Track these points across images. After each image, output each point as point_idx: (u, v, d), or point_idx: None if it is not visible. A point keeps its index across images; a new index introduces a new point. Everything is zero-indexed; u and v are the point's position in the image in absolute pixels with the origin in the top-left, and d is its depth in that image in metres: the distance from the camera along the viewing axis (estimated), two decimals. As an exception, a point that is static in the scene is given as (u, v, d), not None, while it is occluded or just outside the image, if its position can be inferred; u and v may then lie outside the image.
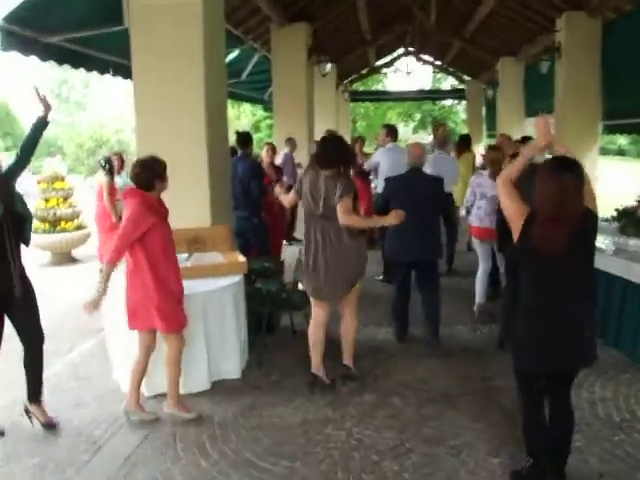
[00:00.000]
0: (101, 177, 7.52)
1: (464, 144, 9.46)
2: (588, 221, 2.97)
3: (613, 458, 3.48)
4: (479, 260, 6.15)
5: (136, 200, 3.86)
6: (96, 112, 32.03)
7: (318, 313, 4.51)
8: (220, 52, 5.78)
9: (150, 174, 3.93)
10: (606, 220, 6.53)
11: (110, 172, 7.55)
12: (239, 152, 7.00)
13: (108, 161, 7.67)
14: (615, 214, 6.28)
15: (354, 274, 4.37)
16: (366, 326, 5.77)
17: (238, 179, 6.61)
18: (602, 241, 5.76)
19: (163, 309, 3.88)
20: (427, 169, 6.66)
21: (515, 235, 3.01)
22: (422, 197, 5.13)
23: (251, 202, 6.73)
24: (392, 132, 8.02)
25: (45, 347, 5.36)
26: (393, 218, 4.27)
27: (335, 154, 4.29)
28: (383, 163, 7.61)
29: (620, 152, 42.04)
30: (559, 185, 2.81)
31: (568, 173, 2.84)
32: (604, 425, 3.86)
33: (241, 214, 6.69)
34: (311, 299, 4.54)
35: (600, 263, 5.32)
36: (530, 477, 3.23)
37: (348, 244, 4.28)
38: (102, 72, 7.53)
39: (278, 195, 4.77)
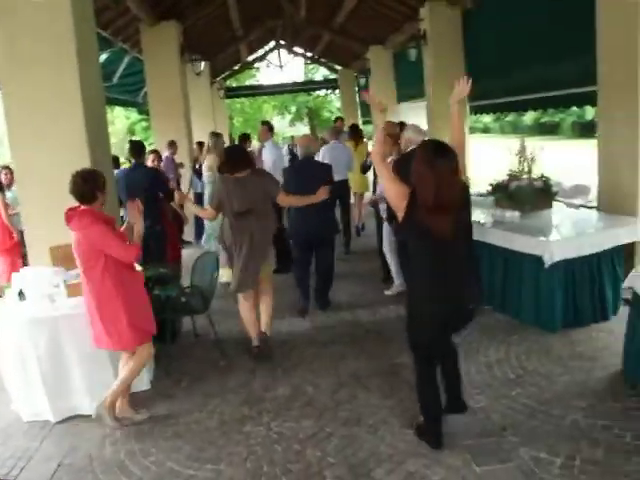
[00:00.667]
0: None
1: (357, 134, 9.78)
2: (467, 195, 3.22)
3: (513, 412, 3.79)
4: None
5: (94, 221, 3.79)
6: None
7: (248, 299, 5.03)
8: (94, 55, 5.57)
9: (92, 186, 3.87)
10: (481, 195, 6.99)
11: (0, 188, 7.16)
12: (132, 162, 6.84)
13: None
14: (490, 188, 6.72)
15: (268, 259, 5.16)
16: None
17: (141, 189, 6.36)
18: (480, 215, 6.18)
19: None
20: (325, 159, 7.03)
21: (400, 216, 3.17)
22: (314, 181, 5.40)
23: (154, 211, 6.55)
24: (271, 129, 8.48)
25: None
26: (322, 193, 5.00)
27: (245, 157, 5.07)
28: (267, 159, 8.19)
29: (485, 130, 44.74)
30: (438, 175, 2.95)
31: (443, 159, 2.98)
32: (502, 384, 4.18)
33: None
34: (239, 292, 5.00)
35: (481, 235, 5.73)
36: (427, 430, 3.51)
37: (268, 236, 5.01)
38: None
39: (189, 207, 4.79)
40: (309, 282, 6.20)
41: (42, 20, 4.81)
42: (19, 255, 7.21)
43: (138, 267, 4.84)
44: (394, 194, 3.18)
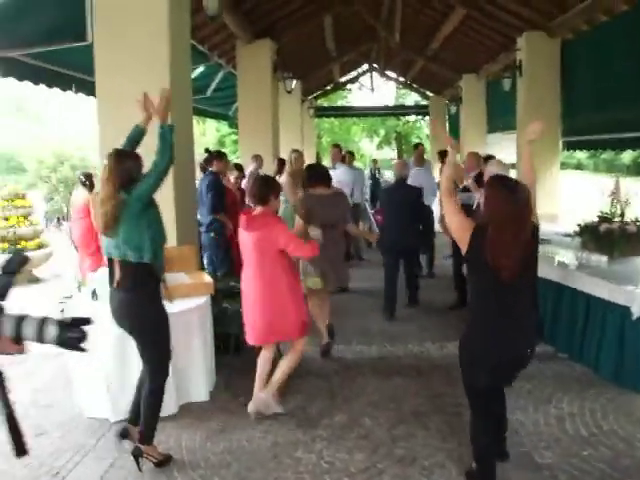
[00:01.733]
0: (83, 193, 7.39)
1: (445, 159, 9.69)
2: (535, 235, 3.11)
3: (582, 474, 3.49)
4: None
5: (277, 221, 4.26)
6: (57, 127, 31.53)
7: (320, 299, 5.57)
8: (186, 68, 5.73)
9: (270, 190, 4.27)
10: (568, 235, 6.66)
11: (91, 188, 7.49)
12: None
13: (89, 177, 7.58)
14: (577, 229, 6.39)
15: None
16: (335, 344, 5.75)
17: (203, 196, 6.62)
18: (565, 256, 5.88)
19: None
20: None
21: (462, 248, 3.09)
22: (405, 203, 6.80)
23: (215, 221, 6.71)
24: (351, 152, 8.90)
25: (4, 372, 5.19)
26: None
27: (327, 176, 5.54)
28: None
29: (578, 166, 43.14)
30: (516, 212, 2.88)
31: (518, 196, 2.89)
32: (573, 441, 3.88)
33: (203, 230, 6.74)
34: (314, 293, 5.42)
35: (564, 278, 5.45)
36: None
37: (340, 252, 5.63)
38: (64, 89, 7.39)
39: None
40: (396, 289, 6.87)
41: (141, 30, 4.99)
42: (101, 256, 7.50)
43: (208, 278, 4.90)
44: (456, 226, 3.14)
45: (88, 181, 7.56)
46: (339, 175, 8.44)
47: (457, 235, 3.13)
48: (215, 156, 7.23)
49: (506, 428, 3.63)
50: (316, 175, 5.53)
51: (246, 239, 4.19)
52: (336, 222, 5.32)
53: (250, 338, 4.38)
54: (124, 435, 3.73)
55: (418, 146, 11.41)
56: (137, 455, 3.57)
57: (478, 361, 3.15)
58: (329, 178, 5.57)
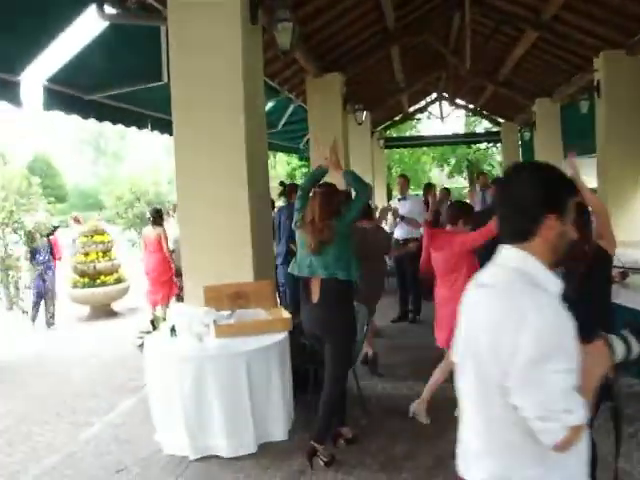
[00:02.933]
0: (153, 228, 7.86)
1: None
2: (599, 260, 3.21)
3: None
4: None
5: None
6: (133, 163, 32.81)
7: None
8: (260, 106, 5.78)
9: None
10: (662, 264, 6.24)
11: (160, 223, 7.89)
12: (282, 202, 7.03)
13: (158, 212, 8.03)
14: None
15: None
16: (416, 381, 5.54)
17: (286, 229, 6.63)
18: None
19: None
20: None
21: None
22: None
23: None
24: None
25: (84, 406, 5.29)
26: None
27: (369, 210, 6.08)
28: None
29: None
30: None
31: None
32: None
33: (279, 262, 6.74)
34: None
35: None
36: None
37: (379, 279, 6.16)
38: (140, 127, 7.65)
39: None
40: None
41: (216, 68, 5.06)
42: (174, 287, 7.74)
43: (286, 313, 4.82)
44: None
45: (158, 216, 7.86)
46: (410, 205, 8.27)
47: None
48: (295, 187, 7.32)
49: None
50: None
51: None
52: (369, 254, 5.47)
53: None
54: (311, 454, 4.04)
55: (480, 175, 11.53)
56: (311, 454, 3.99)
57: None
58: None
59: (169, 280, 7.96)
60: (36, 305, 8.89)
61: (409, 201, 8.41)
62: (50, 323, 8.89)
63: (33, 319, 8.89)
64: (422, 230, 9.58)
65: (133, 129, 7.65)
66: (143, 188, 13.17)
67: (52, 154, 44.37)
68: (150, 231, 8.00)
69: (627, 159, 9.59)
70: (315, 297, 4.13)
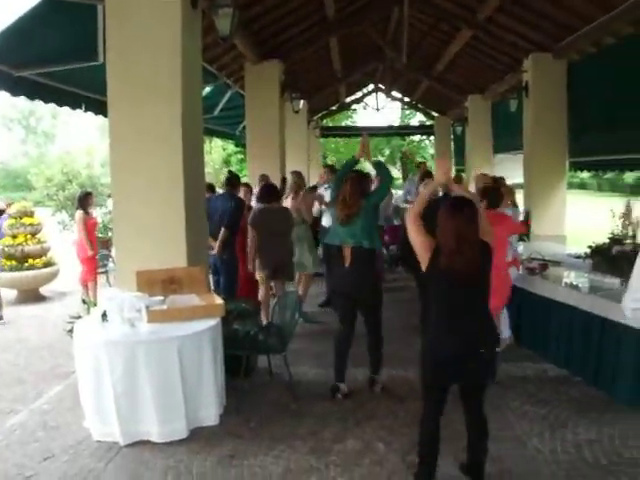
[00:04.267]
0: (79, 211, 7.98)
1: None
2: (484, 252, 3.45)
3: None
4: None
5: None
6: (65, 144, 31.70)
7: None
8: (198, 91, 5.75)
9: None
10: (579, 257, 6.61)
11: (85, 207, 7.90)
12: (221, 191, 7.07)
13: (85, 196, 8.11)
14: (588, 251, 6.35)
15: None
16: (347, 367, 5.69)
17: (219, 216, 6.65)
18: (577, 278, 5.84)
19: None
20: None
21: (423, 265, 3.50)
22: None
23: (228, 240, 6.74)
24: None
25: (10, 393, 5.17)
26: None
27: (277, 192, 7.22)
28: None
29: (582, 185, 43.13)
30: (455, 224, 3.33)
31: (461, 213, 3.35)
32: (592, 470, 3.79)
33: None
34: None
35: (575, 300, 5.40)
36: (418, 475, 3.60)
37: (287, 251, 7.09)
38: (74, 107, 7.43)
39: None
40: None
41: (154, 51, 5.00)
42: (96, 267, 7.91)
43: (219, 299, 4.86)
44: (420, 245, 3.52)
45: (83, 201, 7.91)
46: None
47: (420, 253, 3.52)
48: (243, 184, 7.78)
49: (484, 439, 3.63)
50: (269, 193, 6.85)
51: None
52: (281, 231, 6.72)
53: None
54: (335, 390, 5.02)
55: (421, 164, 11.81)
56: (372, 382, 5.16)
57: (424, 358, 3.57)
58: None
59: (91, 259, 8.02)
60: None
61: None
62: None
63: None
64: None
65: (66, 109, 7.43)
66: (75, 170, 12.76)
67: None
68: (77, 213, 7.99)
69: (552, 156, 10.05)
70: (347, 262, 5.00)
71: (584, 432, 4.30)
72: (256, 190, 9.40)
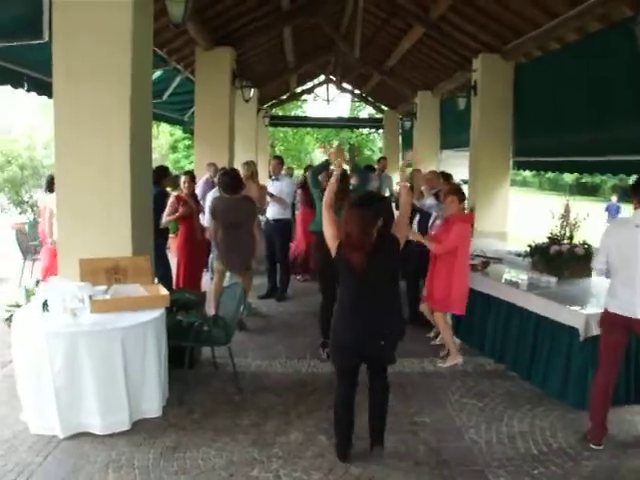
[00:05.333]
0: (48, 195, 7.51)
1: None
2: (390, 245, 3.73)
3: (533, 494, 3.58)
4: None
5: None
6: (4, 123, 30.40)
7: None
8: (147, 76, 5.63)
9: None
10: (519, 255, 6.82)
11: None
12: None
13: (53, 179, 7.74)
14: (527, 250, 6.56)
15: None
16: (289, 359, 5.73)
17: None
18: (515, 275, 6.04)
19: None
20: None
21: (332, 253, 3.83)
22: None
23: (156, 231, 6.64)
24: (282, 162, 9.38)
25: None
26: None
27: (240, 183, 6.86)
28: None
29: (524, 183, 44.41)
30: (353, 219, 3.61)
31: (361, 209, 3.63)
32: (524, 460, 3.97)
33: None
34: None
35: (513, 297, 5.60)
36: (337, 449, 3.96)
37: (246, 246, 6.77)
38: (15, 87, 7.14)
39: None
40: None
41: (103, 33, 4.88)
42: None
43: (164, 290, 4.81)
44: (329, 236, 3.85)
45: (52, 183, 7.55)
46: (282, 186, 8.50)
47: (330, 242, 3.84)
48: (164, 172, 7.39)
49: (383, 417, 4.01)
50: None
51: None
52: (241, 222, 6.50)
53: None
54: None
55: (381, 160, 12.08)
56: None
57: (333, 342, 3.89)
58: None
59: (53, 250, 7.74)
60: None
61: (281, 182, 8.61)
62: None
63: None
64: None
65: (7, 87, 7.15)
66: (15, 151, 12.32)
67: None
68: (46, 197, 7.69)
69: (497, 155, 10.31)
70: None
71: (518, 424, 4.49)
72: (205, 177, 9.32)
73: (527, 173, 38.34)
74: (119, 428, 4.17)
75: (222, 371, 5.32)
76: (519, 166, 10.98)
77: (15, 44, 6.05)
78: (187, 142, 26.14)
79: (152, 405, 4.40)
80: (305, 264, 9.53)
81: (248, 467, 3.80)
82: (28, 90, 7.28)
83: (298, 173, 18.51)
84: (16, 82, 7.07)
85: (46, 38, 5.58)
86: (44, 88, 7.20)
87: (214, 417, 4.50)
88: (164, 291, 4.80)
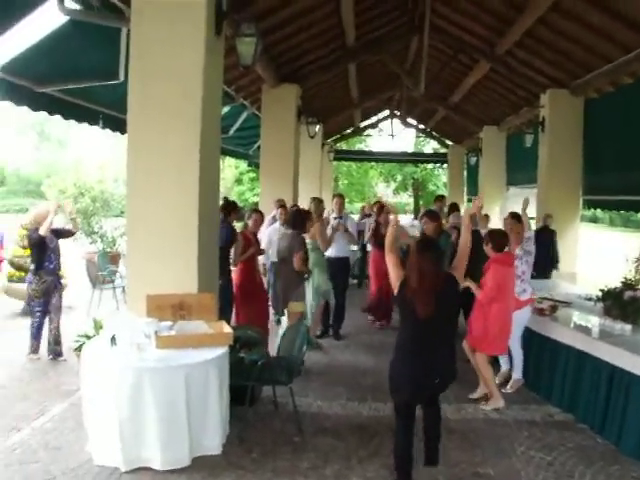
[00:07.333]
0: None
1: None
2: (451, 286, 3.90)
3: None
4: None
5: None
6: (78, 152, 31.81)
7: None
8: (217, 115, 5.78)
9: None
10: (590, 299, 6.55)
11: None
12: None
13: None
14: (600, 294, 6.29)
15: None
16: (350, 400, 5.65)
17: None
18: (587, 321, 5.79)
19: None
20: None
21: (395, 292, 3.96)
22: None
23: (224, 266, 6.65)
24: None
25: (12, 409, 5.13)
26: None
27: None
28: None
29: (593, 219, 42.98)
30: (420, 262, 3.76)
31: (427, 253, 3.80)
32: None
33: None
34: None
35: (585, 345, 5.34)
36: None
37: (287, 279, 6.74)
38: (92, 124, 7.51)
39: None
40: None
41: (176, 74, 5.03)
42: None
43: (228, 327, 4.85)
44: (394, 277, 3.98)
45: None
46: (347, 225, 8.49)
47: (393, 282, 3.97)
48: (234, 207, 7.28)
49: (437, 439, 4.22)
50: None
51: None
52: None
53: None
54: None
55: (438, 199, 11.90)
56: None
57: (391, 380, 3.98)
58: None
59: None
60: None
61: (344, 220, 8.58)
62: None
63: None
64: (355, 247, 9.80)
65: (84, 125, 7.51)
66: (88, 184, 12.85)
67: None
68: None
69: (566, 193, 10.06)
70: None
71: (590, 483, 4.23)
72: (272, 214, 9.26)
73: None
74: (179, 464, 4.19)
75: (282, 410, 5.29)
76: (589, 205, 10.67)
77: (92, 84, 6.40)
78: (252, 175, 26.68)
79: (213, 442, 4.40)
80: (387, 310, 8.89)
81: (307, 513, 3.74)
82: (103, 127, 7.64)
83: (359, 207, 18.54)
84: (93, 120, 7.43)
85: (122, 78, 5.84)
86: (118, 125, 7.53)
87: (273, 457, 4.46)
88: (228, 329, 4.84)
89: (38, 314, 6.83)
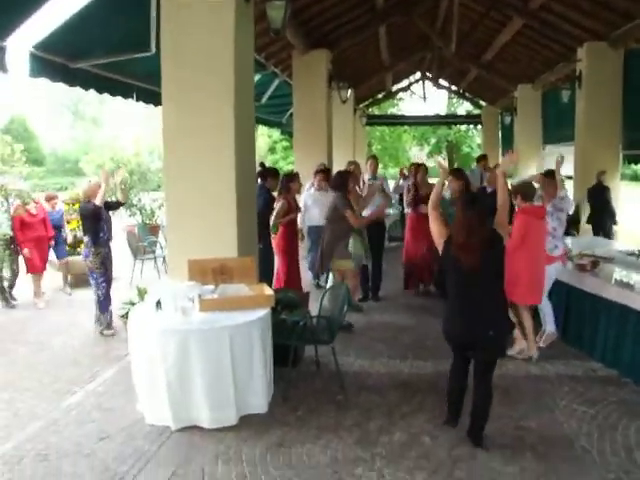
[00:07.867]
0: None
1: None
2: (496, 241, 3.95)
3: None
4: None
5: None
6: (112, 130, 32.26)
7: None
8: (250, 82, 5.80)
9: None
10: (632, 254, 6.46)
11: None
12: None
13: None
14: (641, 249, 6.20)
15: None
16: (391, 358, 5.72)
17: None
18: (629, 277, 5.71)
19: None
20: None
21: (440, 250, 4.09)
22: None
23: (262, 230, 6.76)
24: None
25: (66, 374, 5.35)
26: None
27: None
28: None
29: (634, 177, 41.80)
30: (466, 219, 3.86)
31: (472, 210, 3.87)
32: (643, 474, 3.73)
33: None
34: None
35: (628, 299, 5.27)
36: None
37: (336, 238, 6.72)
38: (126, 97, 7.63)
39: None
40: None
41: (207, 43, 5.08)
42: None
43: (269, 290, 4.94)
44: (437, 233, 4.12)
45: None
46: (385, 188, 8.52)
47: (437, 240, 4.11)
48: (272, 173, 7.35)
49: (483, 419, 4.08)
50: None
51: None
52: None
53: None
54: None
55: (481, 159, 11.95)
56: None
57: (443, 333, 4.16)
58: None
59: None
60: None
61: (378, 182, 8.58)
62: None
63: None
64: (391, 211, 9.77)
65: (118, 98, 7.62)
66: (124, 158, 13.07)
67: (29, 117, 43.36)
68: None
69: (605, 149, 9.83)
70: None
71: (635, 435, 4.21)
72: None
73: (638, 166, 36.29)
74: (226, 423, 4.33)
75: (324, 370, 5.39)
76: (629, 160, 10.42)
77: (125, 58, 6.47)
78: (285, 143, 26.68)
79: (258, 401, 4.52)
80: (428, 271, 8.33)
81: (352, 465, 3.83)
82: (137, 100, 7.74)
83: (394, 172, 18.42)
84: (126, 93, 7.54)
85: (153, 51, 5.90)
86: (151, 97, 7.63)
87: (318, 415, 4.57)
88: (269, 291, 4.93)
89: (103, 284, 6.75)
